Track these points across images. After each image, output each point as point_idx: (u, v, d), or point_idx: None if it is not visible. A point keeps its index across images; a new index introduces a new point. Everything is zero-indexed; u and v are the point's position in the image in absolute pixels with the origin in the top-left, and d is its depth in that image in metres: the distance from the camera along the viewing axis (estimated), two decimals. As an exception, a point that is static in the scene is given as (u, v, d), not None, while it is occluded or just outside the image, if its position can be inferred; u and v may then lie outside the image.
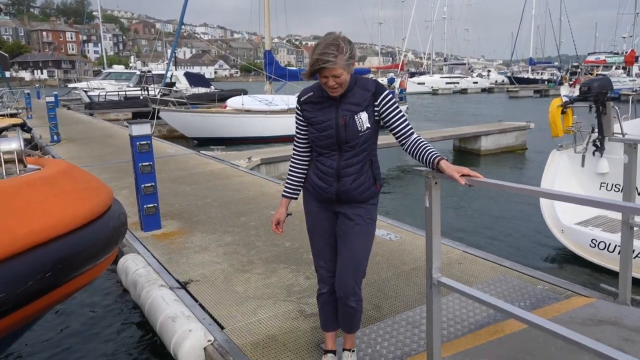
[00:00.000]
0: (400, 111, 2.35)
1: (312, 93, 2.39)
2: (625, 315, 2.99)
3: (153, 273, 3.94)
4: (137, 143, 5.00)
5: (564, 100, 5.67)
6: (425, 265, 2.20)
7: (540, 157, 10.66)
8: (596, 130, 5.46)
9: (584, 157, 5.71)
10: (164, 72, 24.06)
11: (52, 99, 13.64)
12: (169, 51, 29.61)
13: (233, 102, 17.32)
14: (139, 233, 5.08)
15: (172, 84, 25.53)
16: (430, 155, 2.17)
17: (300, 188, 2.56)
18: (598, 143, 5.52)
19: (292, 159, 2.55)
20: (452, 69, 63.73)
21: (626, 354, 1.49)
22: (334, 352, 2.65)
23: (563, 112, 5.54)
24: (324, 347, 2.69)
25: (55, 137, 12.73)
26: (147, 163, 5.06)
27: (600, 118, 5.27)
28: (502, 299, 3.34)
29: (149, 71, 29.47)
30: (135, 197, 5.24)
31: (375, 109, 2.32)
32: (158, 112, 16.21)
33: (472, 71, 67.03)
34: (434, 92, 52.71)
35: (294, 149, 2.54)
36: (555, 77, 54.60)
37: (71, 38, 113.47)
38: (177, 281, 3.85)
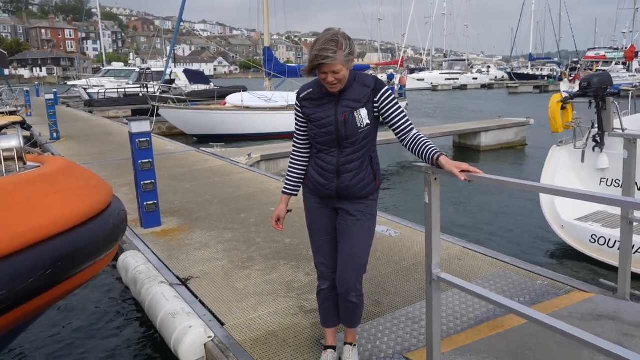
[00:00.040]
0: (400, 107, 2.35)
1: (311, 89, 2.38)
2: (625, 310, 3.00)
3: (153, 270, 3.94)
4: (137, 140, 5.00)
5: (563, 96, 5.66)
6: (425, 261, 2.20)
7: (540, 153, 10.66)
8: (596, 125, 5.45)
9: (583, 152, 5.71)
10: (163, 69, 24.01)
11: (51, 96, 13.63)
12: (168, 48, 29.57)
13: (232, 99, 17.30)
14: (139, 230, 5.08)
15: (172, 81, 25.52)
16: (429, 151, 2.17)
17: (300, 184, 2.56)
18: (598, 138, 5.51)
19: (291, 156, 2.55)
20: (451, 65, 63.57)
21: (625, 349, 1.49)
22: (333, 347, 2.66)
23: (563, 108, 5.53)
24: (324, 343, 2.70)
25: (54, 135, 12.72)
26: (146, 160, 5.06)
27: (600, 113, 5.26)
28: (501, 295, 3.35)
29: (148, 68, 29.46)
30: (135, 194, 5.24)
31: (375, 105, 2.32)
32: (157, 109, 16.19)
33: (471, 67, 66.90)
34: (434, 89, 52.63)
35: (293, 146, 2.54)
36: (555, 73, 54.49)
37: (70, 35, 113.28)
38: (177, 278, 3.86)
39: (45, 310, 2.65)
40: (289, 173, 2.57)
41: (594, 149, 5.62)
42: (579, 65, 40.07)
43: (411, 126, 2.32)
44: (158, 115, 16.31)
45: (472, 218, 7.55)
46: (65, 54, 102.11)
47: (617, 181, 5.57)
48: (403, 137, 2.32)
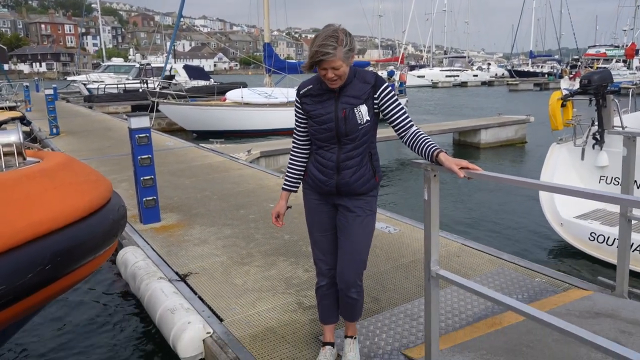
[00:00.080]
0: (400, 104, 2.35)
1: (311, 86, 2.38)
2: (622, 308, 3.01)
3: (152, 265, 3.95)
4: (136, 136, 4.99)
5: (564, 94, 5.65)
6: (424, 258, 2.20)
7: (540, 151, 10.66)
8: (596, 123, 5.45)
9: (583, 150, 5.70)
10: (163, 65, 23.98)
11: (51, 91, 13.61)
12: (168, 44, 29.50)
13: (232, 95, 17.28)
14: (138, 226, 5.09)
15: (172, 77, 25.49)
16: (429, 147, 2.17)
17: (300, 181, 2.56)
18: (598, 136, 5.51)
19: (291, 152, 2.55)
20: (452, 62, 63.48)
21: (622, 346, 1.50)
22: (332, 344, 2.67)
23: (563, 105, 5.52)
24: (322, 340, 2.71)
25: (54, 130, 12.71)
26: (146, 156, 5.06)
27: (600, 111, 5.26)
28: (500, 292, 3.36)
29: (148, 64, 29.40)
30: (135, 189, 5.24)
31: (375, 101, 2.32)
32: (157, 105, 16.18)
33: (472, 64, 66.78)
34: (434, 85, 52.57)
35: (293, 142, 2.54)
36: (555, 70, 54.44)
37: (70, 31, 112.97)
38: (176, 274, 3.87)
39: (45, 305, 2.65)
40: (288, 169, 2.57)
41: (593, 147, 5.62)
42: (579, 63, 40.01)
43: (411, 123, 2.32)
44: (158, 111, 16.30)
45: (471, 215, 7.56)
46: (65, 49, 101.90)
47: (616, 179, 5.57)
48: (403, 134, 2.32)
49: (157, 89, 17.53)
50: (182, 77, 27.76)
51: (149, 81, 22.95)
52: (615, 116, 5.29)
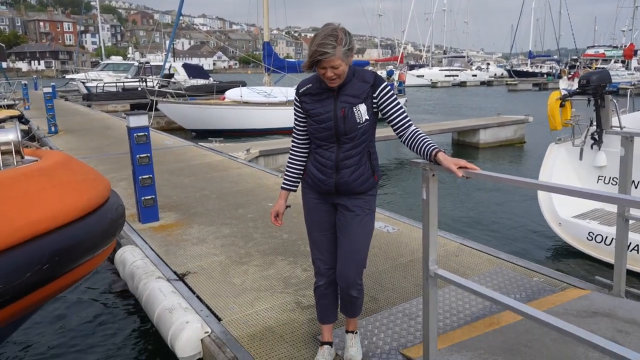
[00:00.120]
0: (399, 103, 2.35)
1: (310, 85, 2.38)
2: (619, 307, 3.02)
3: (150, 265, 3.95)
4: (135, 134, 4.99)
5: (562, 94, 5.66)
6: (422, 257, 2.21)
7: (539, 151, 10.67)
8: (594, 123, 5.46)
9: (582, 150, 5.72)
10: (162, 63, 23.94)
11: (49, 90, 13.59)
12: (167, 42, 29.47)
13: (232, 94, 17.27)
14: (137, 225, 5.08)
15: (171, 76, 25.43)
16: (427, 147, 2.18)
17: (299, 180, 2.57)
18: (596, 136, 5.52)
19: (291, 151, 2.55)
20: (451, 61, 63.53)
21: (619, 345, 1.50)
22: (330, 343, 2.67)
23: (562, 105, 5.53)
24: (321, 339, 2.71)
25: (52, 129, 12.69)
26: (144, 155, 5.05)
27: (598, 111, 5.27)
28: (498, 291, 3.37)
29: (147, 62, 29.35)
30: (133, 188, 5.23)
31: (374, 101, 2.32)
32: (156, 103, 16.16)
33: (471, 64, 66.86)
34: (433, 85, 52.60)
35: (292, 141, 2.54)
36: (554, 71, 54.53)
37: (68, 28, 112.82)
38: (175, 273, 3.86)
39: (43, 304, 2.65)
40: (287, 168, 2.57)
41: (592, 147, 5.63)
42: (578, 63, 40.09)
43: (410, 122, 2.32)
44: (157, 109, 16.28)
45: (470, 215, 7.57)
46: (63, 47, 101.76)
47: (614, 179, 5.58)
48: (401, 133, 2.32)
49: (156, 88, 17.52)
50: (181, 76, 27.71)
51: (148, 80, 22.92)
52: (613, 116, 5.30)
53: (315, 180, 2.43)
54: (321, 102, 2.34)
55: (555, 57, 66.94)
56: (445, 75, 55.34)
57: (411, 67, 58.35)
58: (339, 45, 2.15)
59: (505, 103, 30.10)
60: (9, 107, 13.55)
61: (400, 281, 3.64)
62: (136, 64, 30.94)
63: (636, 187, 5.38)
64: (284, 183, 2.58)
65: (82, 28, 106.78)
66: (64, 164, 2.62)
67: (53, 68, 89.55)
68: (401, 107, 2.34)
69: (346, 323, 2.71)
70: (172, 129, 16.81)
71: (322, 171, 2.40)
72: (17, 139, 2.69)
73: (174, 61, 34.61)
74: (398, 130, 2.33)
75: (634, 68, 38.44)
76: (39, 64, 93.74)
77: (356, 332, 2.68)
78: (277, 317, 3.15)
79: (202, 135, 15.26)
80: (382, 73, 28.75)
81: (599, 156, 5.61)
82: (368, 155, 2.39)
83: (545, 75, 53.01)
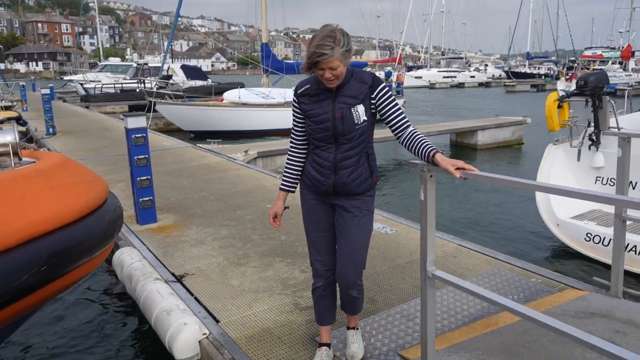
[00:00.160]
0: (397, 104, 2.35)
1: (308, 85, 2.39)
2: (617, 308, 3.02)
3: (148, 266, 3.94)
4: (133, 136, 4.98)
5: (560, 95, 5.68)
6: (420, 258, 2.21)
7: (537, 152, 10.68)
8: (592, 124, 5.48)
9: (579, 151, 5.73)
10: (160, 64, 23.94)
11: (47, 91, 13.57)
12: (166, 44, 29.45)
13: (230, 95, 17.28)
14: (135, 226, 5.08)
15: (169, 77, 25.43)
16: (425, 148, 2.18)
17: (297, 181, 2.57)
18: (594, 137, 5.54)
19: (289, 152, 2.56)
20: (449, 63, 63.66)
21: (617, 346, 1.50)
22: (328, 345, 2.67)
23: (559, 107, 5.55)
24: (319, 340, 2.71)
25: (50, 130, 12.67)
26: (142, 156, 5.04)
27: (596, 112, 5.29)
28: (496, 292, 3.37)
29: (146, 64, 29.31)
30: (131, 190, 5.23)
31: (372, 101, 2.33)
32: (154, 105, 16.15)
33: (469, 65, 66.99)
34: (431, 86, 52.67)
35: (291, 142, 2.54)
36: (552, 72, 54.64)
37: (67, 30, 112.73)
38: (173, 274, 3.86)
39: (41, 306, 2.65)
40: (286, 169, 2.57)
41: (590, 148, 5.65)
42: (575, 64, 40.23)
43: (408, 123, 2.33)
44: (155, 111, 16.26)
45: (468, 216, 7.57)
46: (61, 48, 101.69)
47: (612, 180, 5.59)
48: (399, 134, 2.33)
49: (155, 89, 17.50)
50: (179, 77, 27.70)
51: (146, 81, 22.90)
52: (611, 117, 5.32)
53: (313, 181, 2.44)
54: (319, 103, 2.34)
55: (553, 58, 67.13)
56: (444, 77, 55.43)
57: (409, 69, 58.39)
58: (337, 46, 2.16)
59: (503, 104, 30.15)
60: (7, 108, 13.51)
61: (398, 282, 3.64)
62: (134, 65, 30.90)
63: (634, 188, 5.40)
64: (282, 184, 2.58)
65: (80, 29, 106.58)
66: (61, 166, 2.61)
67: (51, 69, 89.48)
68: (399, 108, 2.35)
69: (347, 320, 2.72)
70: (171, 130, 16.80)
71: (320, 172, 2.40)
72: (15, 140, 2.68)
73: (172, 62, 34.63)
74: (396, 132, 2.34)
75: (632, 69, 38.54)
76: (37, 65, 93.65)
77: (357, 329, 2.70)
78: (275, 319, 3.15)
79: (200, 136, 15.25)
80: (381, 74, 28.77)
81: (597, 157, 5.63)
82: (366, 156, 2.39)
83: (543, 77, 53.11)
